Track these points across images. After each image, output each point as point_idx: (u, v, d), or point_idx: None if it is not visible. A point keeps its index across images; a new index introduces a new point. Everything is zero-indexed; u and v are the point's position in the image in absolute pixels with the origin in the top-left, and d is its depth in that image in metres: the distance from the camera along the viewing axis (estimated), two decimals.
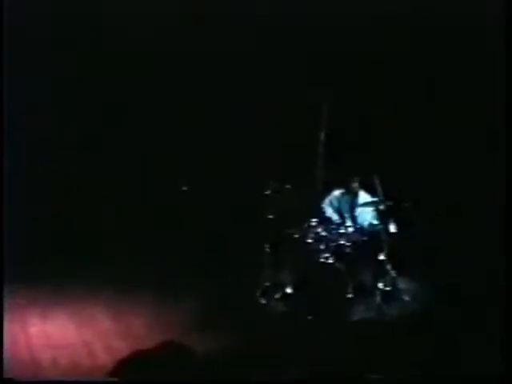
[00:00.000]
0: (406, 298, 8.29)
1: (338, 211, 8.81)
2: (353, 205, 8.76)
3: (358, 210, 8.76)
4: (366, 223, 8.74)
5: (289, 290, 8.27)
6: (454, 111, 8.23)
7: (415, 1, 7.43)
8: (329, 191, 8.83)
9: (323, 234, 8.43)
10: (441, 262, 8.49)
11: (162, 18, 7.68)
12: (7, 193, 7.10)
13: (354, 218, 8.80)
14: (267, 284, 8.35)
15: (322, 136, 8.62)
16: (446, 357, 6.60)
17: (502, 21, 6.74)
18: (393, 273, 8.35)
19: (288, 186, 8.31)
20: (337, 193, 8.77)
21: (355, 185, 8.64)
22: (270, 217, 8.31)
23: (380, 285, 8.31)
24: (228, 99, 8.56)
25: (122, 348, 7.04)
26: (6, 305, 6.84)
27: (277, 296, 8.29)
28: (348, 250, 8.40)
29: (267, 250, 8.36)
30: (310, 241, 8.44)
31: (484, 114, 8.08)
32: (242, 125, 8.88)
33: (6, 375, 5.69)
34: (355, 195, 8.72)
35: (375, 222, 8.63)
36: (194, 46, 7.89)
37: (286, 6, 7.63)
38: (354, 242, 8.43)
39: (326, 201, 8.85)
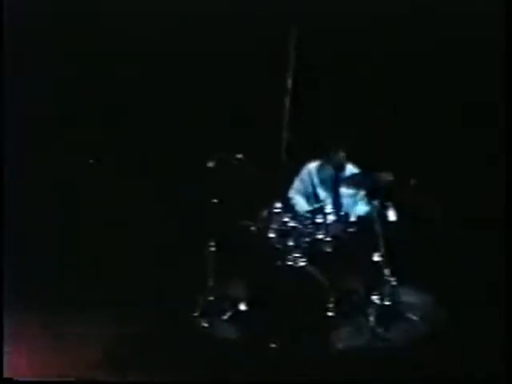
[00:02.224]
0: (413, 317, 7.34)
1: (314, 192, 8.02)
2: (335, 182, 7.98)
3: (343, 190, 7.94)
4: (353, 209, 7.97)
5: (242, 307, 7.41)
6: (453, 110, 8.35)
7: (415, 1, 7.90)
8: (300, 163, 8.10)
9: (292, 224, 7.54)
10: (454, 263, 7.96)
11: (162, 18, 8.20)
12: (7, 194, 7.40)
13: (336, 202, 7.97)
14: (211, 298, 7.45)
15: (289, 83, 7.86)
16: (446, 358, 6.59)
17: (501, 21, 7.25)
18: (392, 280, 7.43)
19: (240, 156, 7.52)
20: (312, 165, 8.01)
21: (339, 153, 7.84)
22: (215, 201, 7.50)
23: (374, 298, 7.40)
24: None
25: None
26: (5, 305, 6.87)
27: (224, 316, 7.40)
28: (327, 248, 7.55)
29: (211, 248, 7.50)
30: (272, 235, 7.58)
31: (484, 114, 8.17)
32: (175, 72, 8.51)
33: (6, 375, 6.12)
34: (339, 168, 7.92)
35: (367, 206, 7.87)
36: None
37: (285, 6, 8.01)
38: (336, 237, 7.56)
39: (297, 177, 8.14)
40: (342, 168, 7.91)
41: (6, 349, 6.43)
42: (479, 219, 8.15)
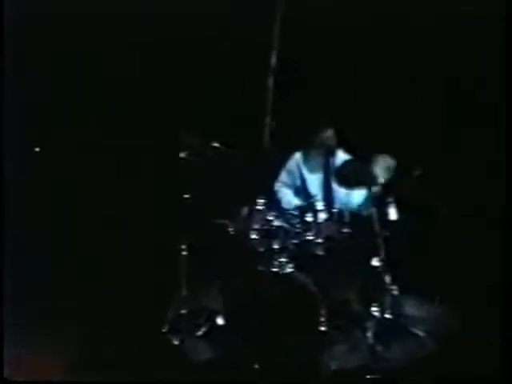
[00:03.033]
0: (419, 333, 7.00)
1: (303, 186, 7.71)
2: (325, 172, 7.67)
3: (336, 184, 7.54)
4: (348, 205, 7.58)
5: (219, 322, 7.03)
6: (453, 110, 8.47)
7: (415, 0, 8.22)
8: (286, 152, 7.82)
9: (277, 224, 7.21)
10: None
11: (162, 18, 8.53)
12: (7, 194, 7.57)
13: (328, 197, 7.62)
14: (182, 311, 7.12)
15: (273, 61, 7.72)
16: (446, 360, 6.66)
17: (501, 21, 7.50)
18: (394, 289, 7.12)
19: (216, 144, 7.24)
20: (298, 155, 7.71)
21: (329, 139, 7.56)
22: (187, 196, 7.19)
23: (373, 309, 7.08)
24: None
25: None
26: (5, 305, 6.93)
27: (199, 332, 7.04)
28: (319, 251, 7.20)
29: (182, 252, 7.17)
30: (254, 236, 7.23)
31: (484, 114, 8.29)
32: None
33: (6, 375, 6.37)
34: (328, 153, 7.62)
35: (364, 203, 7.53)
36: None
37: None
38: (328, 238, 7.23)
39: (283, 168, 7.85)
40: (331, 152, 7.56)
41: (6, 349, 6.52)
42: (485, 220, 8.14)
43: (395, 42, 8.44)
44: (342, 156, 7.65)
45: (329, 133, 7.68)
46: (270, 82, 7.84)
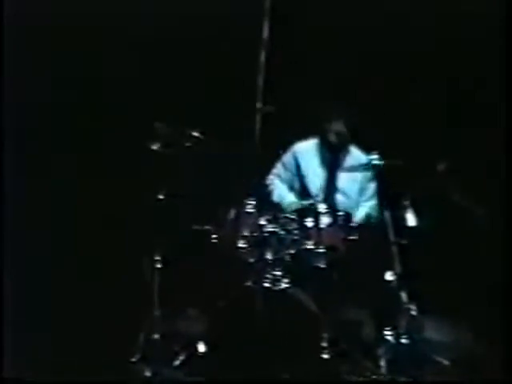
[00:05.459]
0: (443, 361, 6.43)
1: (301, 183, 7.22)
2: (331, 170, 7.21)
3: (343, 181, 7.15)
4: (358, 209, 7.18)
5: (201, 349, 6.40)
6: (452, 110, 8.46)
7: (415, 1, 8.50)
8: (281, 143, 7.36)
9: (270, 229, 6.66)
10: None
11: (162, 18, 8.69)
12: (7, 195, 7.80)
13: (332, 197, 7.16)
14: (155, 336, 6.48)
15: (266, 32, 7.09)
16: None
17: (501, 21, 7.91)
18: (412, 308, 6.58)
19: (196, 134, 6.70)
20: (299, 146, 7.25)
21: (337, 126, 7.09)
22: (161, 197, 6.68)
23: (387, 333, 6.49)
24: None
25: None
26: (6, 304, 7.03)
27: (175, 361, 6.39)
28: (320, 264, 6.66)
29: (155, 265, 6.62)
30: (242, 245, 6.67)
31: (484, 114, 8.32)
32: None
33: (6, 375, 6.51)
34: (337, 149, 7.16)
35: (376, 206, 7.15)
36: None
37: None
38: (332, 247, 6.67)
39: (278, 162, 7.38)
40: (341, 148, 7.11)
41: (6, 348, 6.63)
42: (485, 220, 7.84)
43: (395, 41, 8.53)
44: (355, 153, 7.18)
45: (339, 125, 7.16)
46: (262, 57, 7.05)
